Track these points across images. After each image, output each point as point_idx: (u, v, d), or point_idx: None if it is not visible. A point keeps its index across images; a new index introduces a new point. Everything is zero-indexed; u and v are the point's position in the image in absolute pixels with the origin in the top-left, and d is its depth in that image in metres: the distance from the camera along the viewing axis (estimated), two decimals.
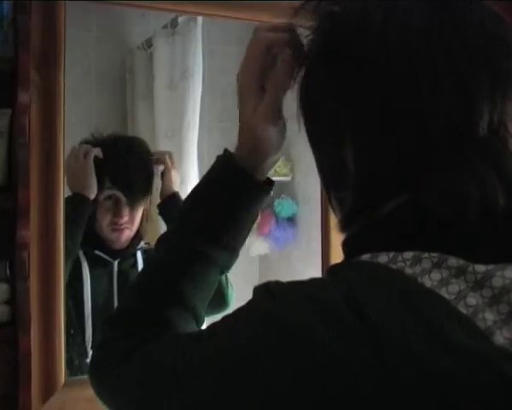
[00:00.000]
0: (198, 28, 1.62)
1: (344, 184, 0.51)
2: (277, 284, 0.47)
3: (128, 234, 1.44)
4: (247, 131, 0.62)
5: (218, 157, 0.66)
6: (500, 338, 0.38)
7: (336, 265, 0.49)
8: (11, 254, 1.17)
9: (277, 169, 1.73)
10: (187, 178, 1.61)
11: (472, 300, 0.40)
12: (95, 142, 1.43)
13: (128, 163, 1.42)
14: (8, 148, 1.20)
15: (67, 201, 1.26)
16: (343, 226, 0.53)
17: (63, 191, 1.22)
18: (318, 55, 0.53)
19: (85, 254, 1.39)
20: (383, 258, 0.44)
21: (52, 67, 1.21)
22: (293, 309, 0.42)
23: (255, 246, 1.82)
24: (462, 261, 0.42)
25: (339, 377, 0.38)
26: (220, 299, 1.31)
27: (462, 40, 0.46)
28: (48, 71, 1.20)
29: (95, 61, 1.64)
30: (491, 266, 0.41)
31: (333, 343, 0.39)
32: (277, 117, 0.59)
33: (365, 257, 0.46)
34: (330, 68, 0.51)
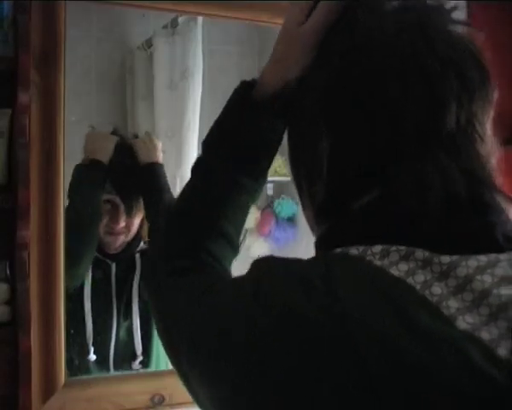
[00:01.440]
0: (198, 28, 1.61)
1: (318, 178, 0.52)
2: (270, 261, 0.50)
3: (123, 239, 1.44)
4: (289, 38, 0.59)
5: (236, 90, 0.66)
6: (463, 324, 0.40)
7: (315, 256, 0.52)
8: (11, 254, 1.17)
9: (277, 169, 1.73)
10: (187, 177, 1.61)
11: (437, 289, 0.42)
12: None
13: (130, 172, 1.42)
14: (8, 148, 1.20)
15: (81, 166, 1.32)
16: (315, 224, 0.56)
17: (63, 191, 1.22)
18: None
19: None
20: (353, 251, 0.46)
21: (52, 67, 1.21)
22: (280, 285, 0.46)
23: (255, 246, 1.82)
24: (427, 253, 0.43)
25: (313, 344, 0.41)
26: None
27: (431, 46, 0.48)
28: (48, 71, 1.20)
29: (95, 61, 1.64)
30: (455, 257, 0.43)
31: (309, 315, 0.42)
32: (315, 46, 0.55)
33: (337, 251, 0.48)
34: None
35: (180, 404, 1.27)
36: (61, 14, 1.22)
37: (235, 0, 1.35)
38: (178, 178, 1.60)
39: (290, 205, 1.84)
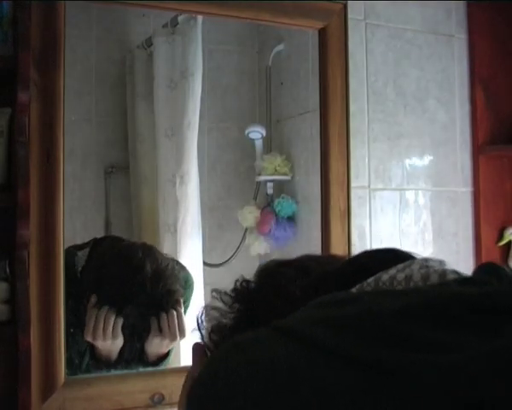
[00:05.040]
0: (198, 27, 1.61)
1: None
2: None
3: None
4: None
5: None
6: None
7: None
8: (11, 253, 1.17)
9: (277, 168, 1.73)
10: (187, 178, 1.61)
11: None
12: None
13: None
14: (8, 147, 1.20)
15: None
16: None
17: (63, 190, 1.22)
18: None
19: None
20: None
21: (52, 66, 1.21)
22: None
23: (255, 245, 1.82)
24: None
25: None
26: None
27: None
28: (47, 70, 1.20)
29: (95, 61, 1.64)
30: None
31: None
32: None
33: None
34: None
35: None
36: (61, 14, 1.22)
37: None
38: (178, 177, 1.60)
39: (290, 204, 1.84)
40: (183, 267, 1.48)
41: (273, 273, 0.67)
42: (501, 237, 1.74)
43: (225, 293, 0.66)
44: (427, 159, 1.69)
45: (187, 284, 1.48)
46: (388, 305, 0.44)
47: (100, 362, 1.33)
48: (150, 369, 1.37)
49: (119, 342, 1.32)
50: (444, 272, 0.52)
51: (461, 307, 0.42)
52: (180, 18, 1.61)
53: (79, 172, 1.56)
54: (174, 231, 1.58)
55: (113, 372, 1.35)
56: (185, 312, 1.45)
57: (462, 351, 0.38)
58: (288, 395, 0.40)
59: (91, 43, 1.63)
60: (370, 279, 0.52)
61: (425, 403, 0.37)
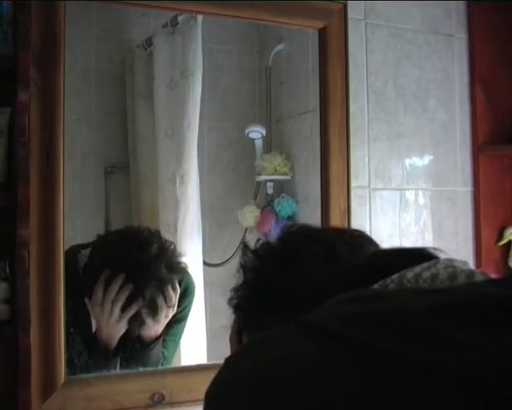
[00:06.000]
0: (198, 27, 1.61)
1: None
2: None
3: None
4: None
5: None
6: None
7: None
8: (11, 252, 1.17)
9: (277, 168, 1.73)
10: (187, 177, 1.61)
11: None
12: None
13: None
14: (8, 146, 1.20)
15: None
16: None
17: (63, 190, 1.22)
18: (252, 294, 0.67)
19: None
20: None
21: (52, 65, 1.21)
22: None
23: None
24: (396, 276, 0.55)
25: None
26: None
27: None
28: (47, 69, 1.20)
29: (94, 60, 1.64)
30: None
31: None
32: None
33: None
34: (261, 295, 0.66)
35: (180, 403, 1.27)
36: (61, 13, 1.22)
37: None
38: (178, 176, 1.60)
39: (290, 204, 1.84)
40: (186, 272, 1.47)
41: (298, 248, 0.65)
42: (501, 236, 1.73)
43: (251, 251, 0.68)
44: (427, 158, 1.69)
45: (188, 289, 1.48)
46: (421, 303, 0.43)
47: (99, 351, 1.34)
48: (150, 369, 1.37)
49: (123, 325, 1.33)
50: (471, 273, 0.51)
51: (491, 307, 0.41)
52: (180, 18, 1.61)
53: (79, 172, 1.56)
54: (174, 230, 1.58)
55: (113, 372, 1.35)
56: (186, 317, 1.46)
57: (491, 351, 0.38)
58: (317, 394, 0.39)
59: (91, 43, 1.63)
60: (394, 276, 0.52)
61: (455, 403, 0.36)
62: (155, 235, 1.41)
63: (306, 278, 0.61)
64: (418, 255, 0.57)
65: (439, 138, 1.71)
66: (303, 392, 0.40)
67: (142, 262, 1.34)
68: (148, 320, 1.37)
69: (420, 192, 1.68)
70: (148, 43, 1.66)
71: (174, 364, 1.44)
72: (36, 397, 1.18)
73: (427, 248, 0.59)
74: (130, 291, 1.32)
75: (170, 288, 1.38)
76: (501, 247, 1.74)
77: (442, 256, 0.57)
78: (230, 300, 0.69)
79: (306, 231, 0.70)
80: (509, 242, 1.74)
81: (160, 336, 1.40)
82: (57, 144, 1.21)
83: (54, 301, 1.20)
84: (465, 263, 0.54)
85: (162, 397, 1.28)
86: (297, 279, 0.62)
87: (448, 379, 0.37)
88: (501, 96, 1.74)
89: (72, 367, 1.30)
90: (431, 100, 1.69)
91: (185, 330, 1.49)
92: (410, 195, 1.66)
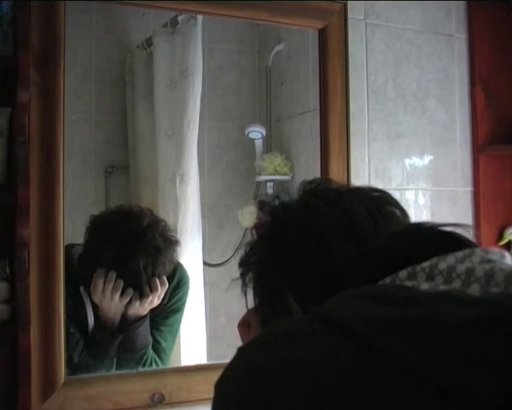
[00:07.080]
0: (198, 27, 1.61)
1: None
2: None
3: None
4: None
5: None
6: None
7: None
8: (11, 252, 1.17)
9: (277, 168, 1.73)
10: (187, 177, 1.61)
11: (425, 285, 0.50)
12: None
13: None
14: (8, 146, 1.20)
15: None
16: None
17: (63, 190, 1.22)
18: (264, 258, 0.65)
19: None
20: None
21: (52, 65, 1.21)
22: None
23: None
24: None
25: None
26: None
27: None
28: (47, 70, 1.20)
29: (95, 60, 1.64)
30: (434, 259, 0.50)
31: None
32: None
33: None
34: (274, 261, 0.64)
35: (180, 403, 1.27)
36: (61, 13, 1.22)
37: None
38: (178, 176, 1.60)
39: None
40: (179, 264, 1.51)
41: (318, 213, 0.62)
42: (501, 236, 1.73)
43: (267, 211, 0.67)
44: (427, 158, 1.69)
45: (182, 281, 1.49)
46: (454, 315, 0.41)
47: (104, 330, 1.39)
48: (150, 369, 1.37)
49: (124, 299, 1.39)
50: (511, 273, 0.46)
51: None
52: (180, 18, 1.61)
53: (79, 171, 1.56)
54: (174, 230, 1.58)
55: (113, 372, 1.35)
56: (181, 309, 1.48)
57: None
58: (344, 398, 0.39)
59: (91, 43, 1.63)
60: (425, 264, 0.49)
61: None
62: (147, 212, 1.47)
63: (326, 249, 0.58)
64: (451, 240, 0.53)
65: (439, 138, 1.71)
66: (331, 395, 0.39)
67: (136, 231, 1.40)
68: (135, 301, 1.41)
69: (420, 192, 1.68)
70: (148, 43, 1.66)
71: (174, 364, 1.44)
72: (36, 397, 1.18)
73: (459, 225, 0.55)
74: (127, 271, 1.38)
75: (156, 280, 1.42)
76: (501, 247, 1.74)
77: (470, 233, 0.54)
78: (241, 264, 0.66)
79: (327, 193, 0.65)
80: (509, 242, 1.74)
81: (143, 317, 1.43)
82: (57, 144, 1.21)
83: (54, 301, 1.20)
84: (502, 255, 0.51)
85: (162, 397, 1.28)
86: (315, 248, 0.59)
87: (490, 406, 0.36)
88: (501, 96, 1.74)
89: (72, 367, 1.30)
90: (431, 100, 1.69)
91: (185, 330, 1.49)
92: (410, 195, 1.66)
